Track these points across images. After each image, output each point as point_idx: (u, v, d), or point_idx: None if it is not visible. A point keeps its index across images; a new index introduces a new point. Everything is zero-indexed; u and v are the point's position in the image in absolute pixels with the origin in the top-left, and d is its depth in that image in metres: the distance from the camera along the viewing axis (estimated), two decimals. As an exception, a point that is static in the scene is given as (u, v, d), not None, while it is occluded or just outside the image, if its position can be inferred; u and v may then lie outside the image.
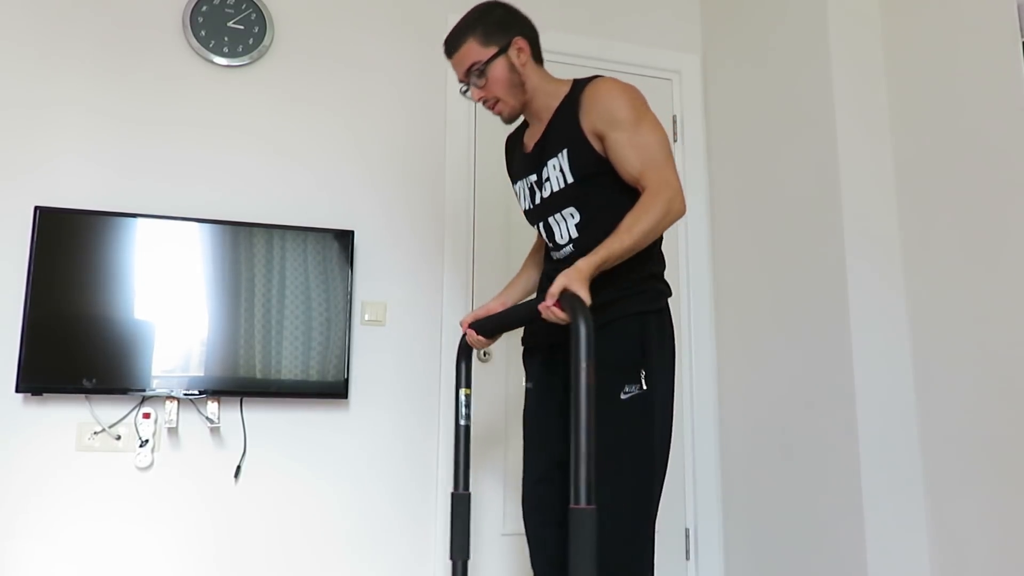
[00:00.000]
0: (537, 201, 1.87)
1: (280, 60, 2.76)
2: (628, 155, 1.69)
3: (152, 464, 2.45)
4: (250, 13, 2.73)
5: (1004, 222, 2.13)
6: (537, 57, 1.87)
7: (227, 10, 2.70)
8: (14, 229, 2.42)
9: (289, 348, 2.52)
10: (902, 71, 2.51)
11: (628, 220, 1.61)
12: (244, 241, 2.52)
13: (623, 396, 1.67)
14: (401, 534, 2.63)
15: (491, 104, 1.85)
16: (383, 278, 2.75)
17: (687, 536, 2.93)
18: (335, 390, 2.56)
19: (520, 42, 1.81)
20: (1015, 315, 2.09)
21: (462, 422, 1.90)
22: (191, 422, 2.49)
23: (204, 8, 2.68)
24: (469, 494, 1.90)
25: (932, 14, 2.40)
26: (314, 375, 2.53)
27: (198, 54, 2.67)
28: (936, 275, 2.35)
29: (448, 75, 2.91)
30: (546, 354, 1.88)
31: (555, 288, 1.54)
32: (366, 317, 2.70)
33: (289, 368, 2.51)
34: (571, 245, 1.81)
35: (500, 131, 3.16)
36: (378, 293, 2.74)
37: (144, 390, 2.38)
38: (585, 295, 1.52)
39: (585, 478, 1.37)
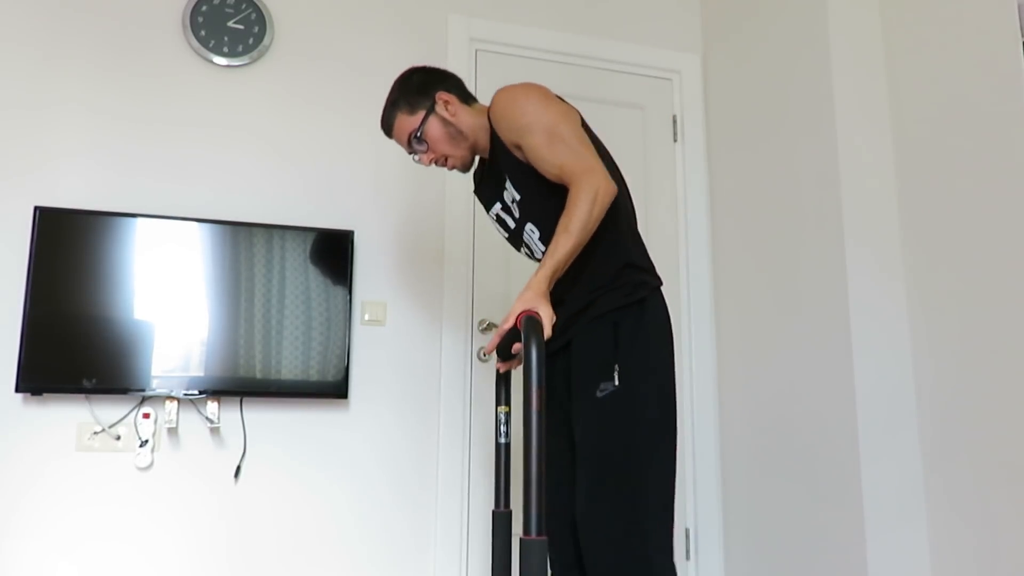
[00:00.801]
0: (510, 227, 1.91)
1: (280, 60, 2.76)
2: (543, 156, 1.69)
3: (152, 464, 2.45)
4: (250, 13, 2.73)
5: (1004, 222, 2.13)
6: (466, 99, 1.91)
7: (227, 10, 2.70)
8: (14, 229, 2.42)
9: (289, 348, 2.52)
10: (902, 71, 2.51)
11: (562, 221, 1.62)
12: (244, 241, 2.52)
13: (599, 394, 1.66)
14: (401, 534, 2.63)
15: (442, 162, 1.90)
16: (383, 278, 2.75)
17: (687, 536, 2.93)
18: (335, 390, 2.55)
19: (443, 96, 1.86)
20: (1015, 315, 2.09)
21: (501, 440, 1.87)
22: (191, 422, 2.49)
23: (204, 8, 2.68)
24: (510, 512, 1.83)
25: (932, 14, 2.40)
26: (314, 375, 2.53)
27: (198, 54, 2.67)
28: (936, 275, 2.34)
29: (448, 75, 2.92)
30: (549, 361, 1.89)
31: (512, 311, 1.57)
32: (366, 317, 2.70)
33: (289, 368, 2.51)
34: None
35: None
36: (378, 293, 2.74)
37: (144, 390, 2.38)
38: (545, 311, 1.54)
39: (536, 509, 1.32)
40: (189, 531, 2.45)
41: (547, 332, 1.55)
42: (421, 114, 1.85)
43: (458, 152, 1.88)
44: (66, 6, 2.58)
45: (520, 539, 1.33)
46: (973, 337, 2.21)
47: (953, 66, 2.32)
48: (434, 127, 1.85)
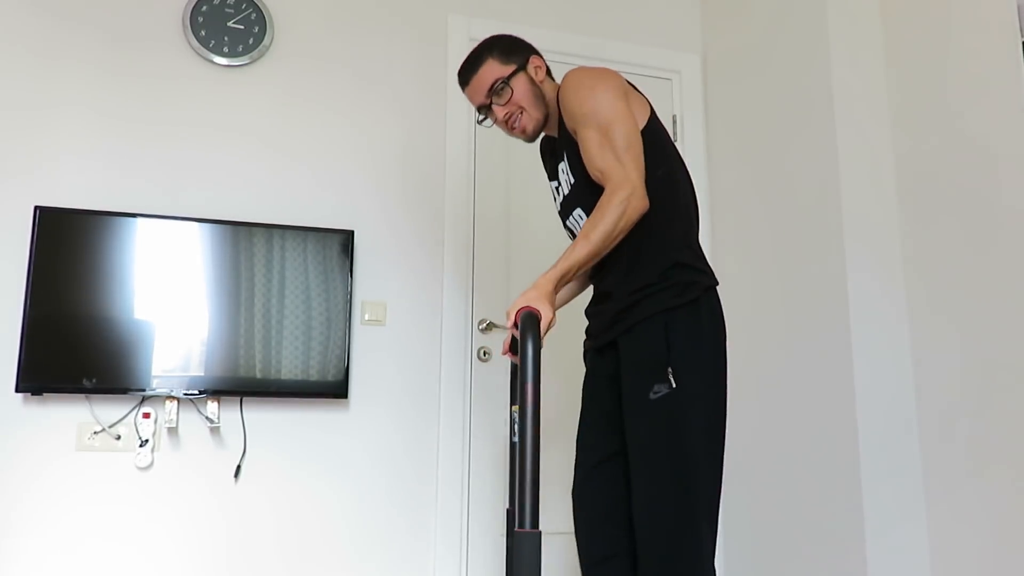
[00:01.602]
0: (560, 204, 1.93)
1: (280, 60, 2.76)
2: (591, 154, 1.69)
3: (152, 464, 2.45)
4: (250, 13, 2.73)
5: (1004, 222, 2.13)
6: (550, 75, 1.93)
7: (227, 10, 2.71)
8: (14, 229, 2.42)
9: (289, 348, 2.52)
10: (902, 70, 2.51)
11: (586, 226, 1.61)
12: (244, 241, 2.52)
13: (652, 396, 1.64)
14: (402, 533, 2.63)
15: (515, 119, 1.87)
16: (383, 278, 2.75)
17: (687, 536, 2.92)
18: (335, 390, 2.56)
19: (536, 60, 1.89)
20: (1015, 315, 2.09)
21: (514, 438, 1.84)
22: (191, 422, 2.49)
23: (204, 8, 2.68)
24: None
25: (932, 13, 2.40)
26: (314, 375, 2.53)
27: (198, 54, 2.67)
28: (936, 275, 2.34)
29: (448, 74, 2.92)
30: (594, 355, 1.89)
31: (513, 306, 1.56)
32: (366, 317, 2.70)
33: (289, 368, 2.51)
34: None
35: (500, 132, 3.15)
36: (378, 293, 2.74)
37: (144, 390, 2.38)
38: (546, 310, 1.54)
39: (530, 502, 1.32)
40: (189, 531, 2.45)
41: (543, 333, 1.55)
42: (513, 66, 1.84)
43: (535, 114, 1.87)
44: (66, 6, 2.58)
45: (514, 532, 1.33)
46: (973, 337, 2.21)
47: (953, 66, 2.32)
48: (522, 81, 1.85)
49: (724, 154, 3.08)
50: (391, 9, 2.92)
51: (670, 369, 1.64)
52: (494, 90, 1.84)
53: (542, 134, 1.96)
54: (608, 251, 1.64)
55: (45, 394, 2.35)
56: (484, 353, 2.82)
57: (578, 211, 1.83)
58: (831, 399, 2.43)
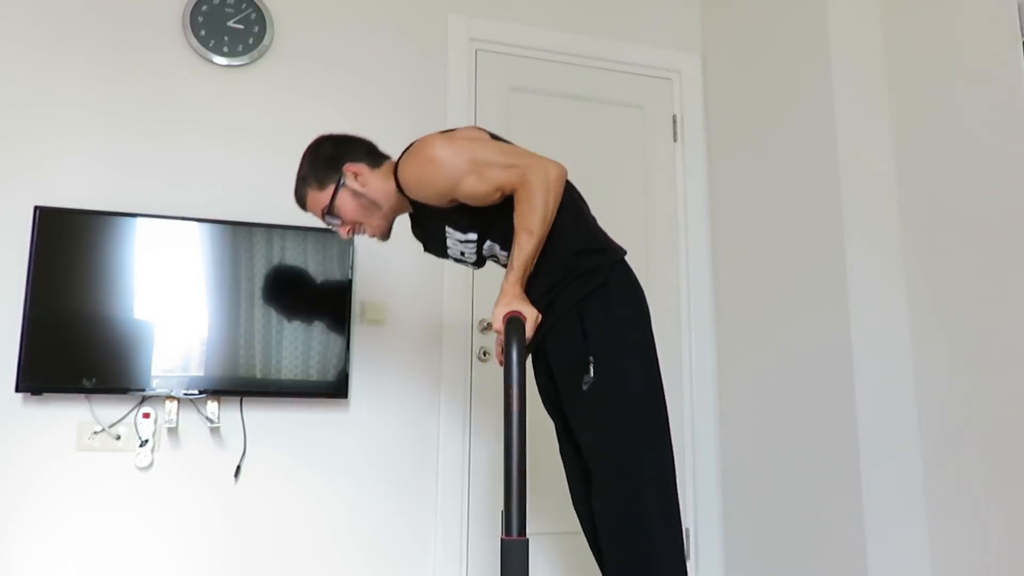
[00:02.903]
0: (473, 260, 1.91)
1: (280, 60, 2.76)
2: (482, 193, 1.70)
3: (152, 464, 2.45)
4: (250, 13, 2.73)
5: (1004, 222, 2.13)
6: (377, 163, 1.86)
7: (227, 10, 2.70)
8: (14, 229, 2.42)
9: (289, 348, 2.51)
10: (903, 70, 2.51)
11: (520, 220, 1.64)
12: (244, 241, 2.52)
13: (584, 388, 1.68)
14: (401, 534, 2.63)
15: (360, 232, 1.88)
16: (383, 278, 2.75)
17: (687, 536, 2.93)
18: (335, 390, 2.55)
19: (351, 168, 1.82)
20: (1015, 315, 2.09)
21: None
22: (191, 422, 2.49)
23: (204, 8, 2.68)
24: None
25: (932, 13, 2.40)
26: (314, 375, 2.53)
27: (198, 54, 2.67)
28: (937, 275, 2.34)
29: (448, 74, 2.92)
30: (533, 362, 1.93)
31: (495, 316, 1.60)
32: (366, 317, 2.70)
33: (289, 368, 2.51)
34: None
35: (499, 132, 3.16)
36: (378, 293, 2.74)
37: (144, 390, 2.38)
38: (528, 310, 1.57)
39: (517, 509, 1.32)
40: (189, 531, 2.45)
41: (530, 331, 1.58)
42: (331, 188, 1.81)
43: (373, 221, 1.86)
44: (66, 6, 2.58)
45: (501, 540, 1.33)
46: (973, 337, 2.21)
47: (953, 65, 2.32)
48: (345, 200, 1.82)
49: (724, 154, 3.08)
50: (391, 9, 2.92)
51: (591, 359, 1.66)
52: (325, 216, 1.84)
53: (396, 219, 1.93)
54: (547, 232, 1.66)
55: (45, 394, 2.35)
56: (484, 353, 2.82)
57: (487, 244, 1.83)
58: (831, 399, 2.43)
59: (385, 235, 1.90)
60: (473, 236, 1.81)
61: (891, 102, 2.54)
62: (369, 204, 1.83)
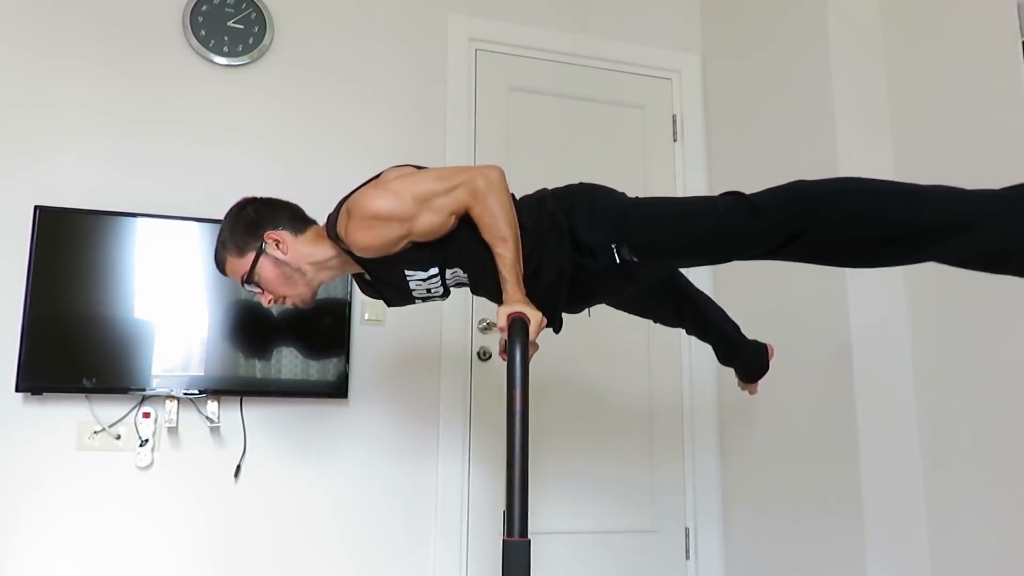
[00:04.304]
0: (439, 293, 1.84)
1: (280, 60, 2.76)
2: (436, 226, 1.66)
3: (152, 463, 2.45)
4: (250, 13, 2.73)
5: (1004, 222, 2.13)
6: (301, 229, 1.79)
7: (227, 10, 2.70)
8: (14, 229, 2.42)
9: (289, 347, 2.51)
10: (902, 70, 2.51)
11: (488, 233, 1.63)
12: (244, 241, 2.52)
13: (626, 259, 1.67)
14: (402, 533, 2.63)
15: (281, 302, 1.81)
16: (383, 278, 2.75)
17: (687, 536, 2.93)
18: (335, 389, 2.55)
19: (272, 235, 1.74)
20: (1015, 315, 2.09)
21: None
22: (191, 422, 2.49)
23: (204, 8, 2.68)
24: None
25: (932, 13, 2.40)
26: (314, 375, 2.53)
27: (198, 54, 2.67)
28: (936, 275, 2.34)
29: (448, 74, 2.92)
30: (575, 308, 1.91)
31: (499, 316, 1.58)
32: (366, 317, 2.70)
33: (289, 367, 2.51)
34: (481, 282, 1.79)
35: (499, 132, 3.15)
36: (378, 293, 2.73)
37: (144, 389, 2.38)
38: (532, 313, 1.56)
39: (519, 510, 1.30)
40: (189, 530, 2.45)
41: (534, 334, 1.56)
42: (251, 256, 1.74)
43: (295, 291, 1.79)
44: (66, 6, 2.58)
45: (503, 541, 1.32)
46: (973, 337, 2.21)
47: (953, 66, 2.32)
48: (266, 268, 1.74)
49: (724, 153, 3.08)
50: (391, 9, 2.92)
51: (613, 247, 1.65)
52: (245, 284, 1.78)
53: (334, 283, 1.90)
54: (517, 231, 1.65)
55: (45, 394, 2.35)
56: (484, 353, 2.82)
57: (452, 273, 1.78)
58: (831, 399, 2.43)
59: (311, 302, 1.84)
60: (435, 271, 1.76)
61: (891, 101, 2.54)
62: (292, 272, 1.76)
